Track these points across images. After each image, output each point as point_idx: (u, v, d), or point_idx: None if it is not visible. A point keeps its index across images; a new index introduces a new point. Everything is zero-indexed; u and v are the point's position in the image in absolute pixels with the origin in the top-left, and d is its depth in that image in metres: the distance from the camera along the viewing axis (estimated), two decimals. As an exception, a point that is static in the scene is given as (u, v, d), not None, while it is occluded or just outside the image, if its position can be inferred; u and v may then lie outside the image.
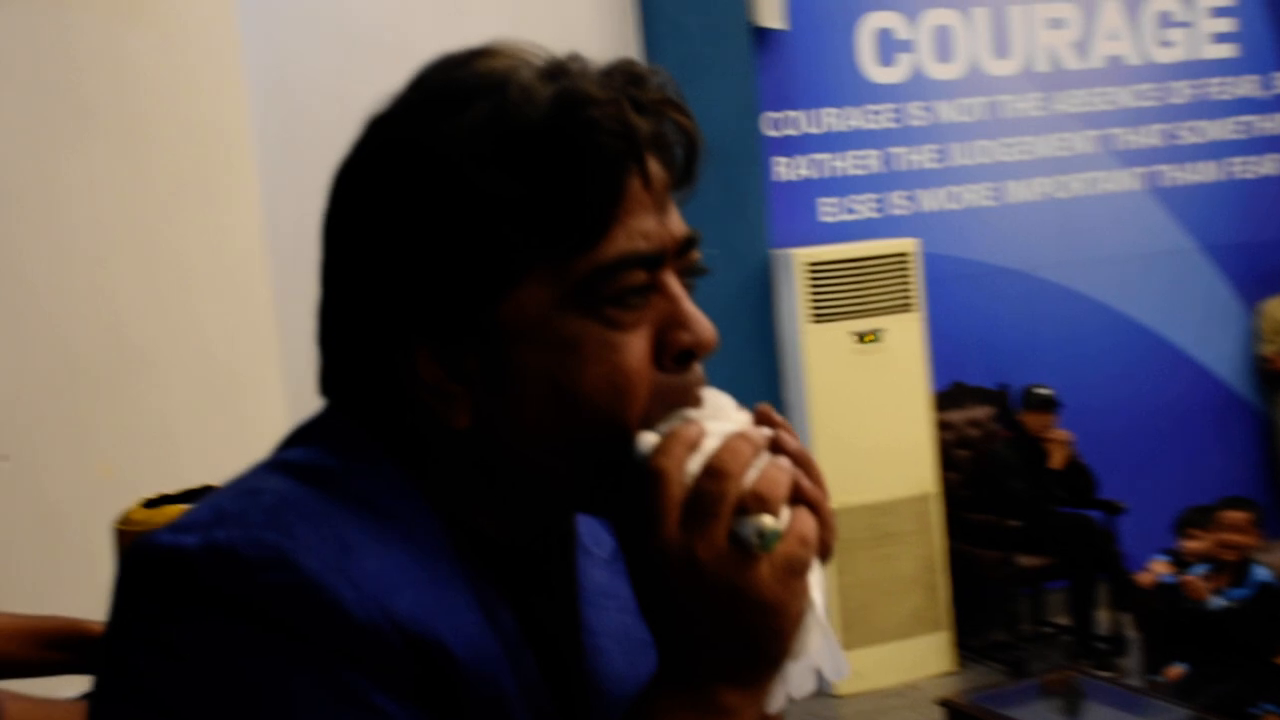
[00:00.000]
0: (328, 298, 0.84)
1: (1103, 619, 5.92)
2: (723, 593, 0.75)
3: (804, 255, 5.57)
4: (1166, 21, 6.66)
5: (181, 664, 0.70)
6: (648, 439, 0.79)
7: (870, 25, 6.13)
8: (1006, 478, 5.88)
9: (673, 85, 0.83)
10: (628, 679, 0.87)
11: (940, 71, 6.28)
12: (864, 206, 6.13)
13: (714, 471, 0.76)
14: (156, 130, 3.38)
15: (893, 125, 6.18)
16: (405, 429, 0.82)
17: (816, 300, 5.54)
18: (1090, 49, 6.53)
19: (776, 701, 0.80)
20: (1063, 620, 6.03)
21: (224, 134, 3.52)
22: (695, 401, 0.82)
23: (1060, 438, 5.94)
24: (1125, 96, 6.58)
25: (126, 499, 1.72)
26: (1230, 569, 4.93)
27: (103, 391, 3.31)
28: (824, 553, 0.80)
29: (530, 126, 0.78)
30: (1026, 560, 5.78)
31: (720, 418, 0.81)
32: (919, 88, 6.23)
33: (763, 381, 5.61)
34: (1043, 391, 5.98)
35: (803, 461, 0.81)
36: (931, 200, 6.25)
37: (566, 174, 0.77)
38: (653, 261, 0.80)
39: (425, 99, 0.81)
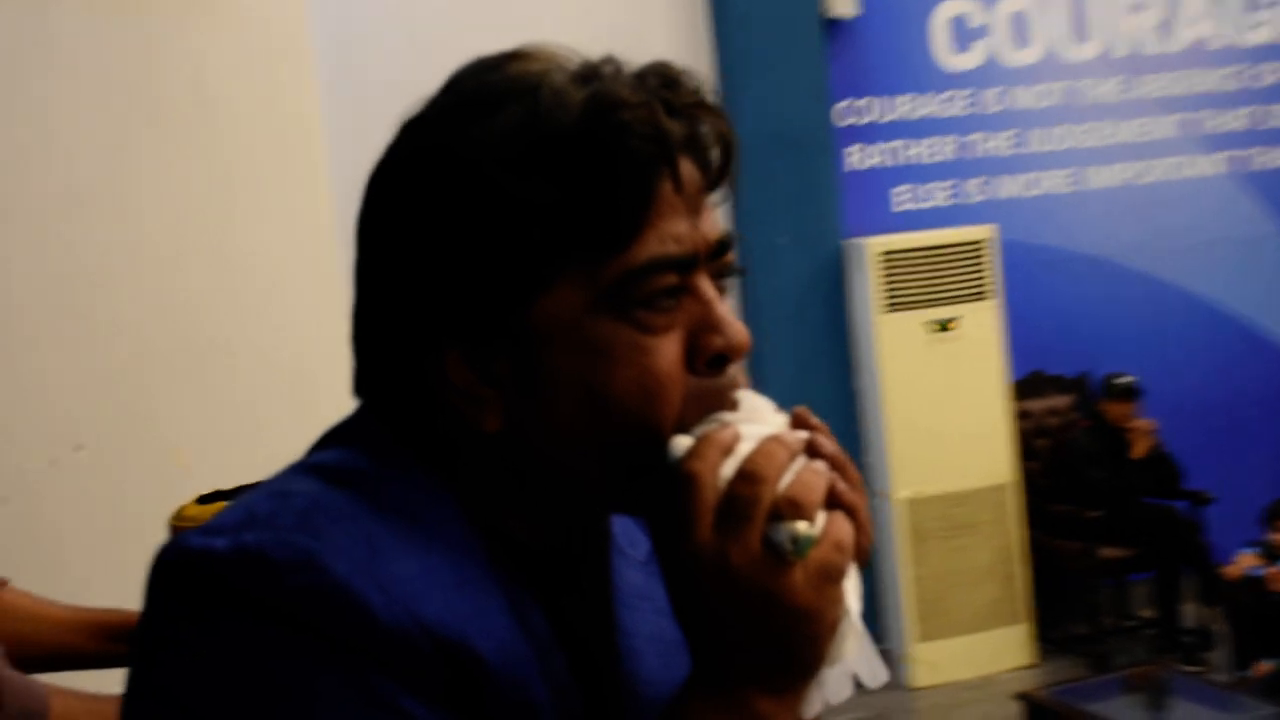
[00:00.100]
0: (361, 300, 0.84)
1: (1189, 612, 5.82)
2: (756, 598, 0.74)
3: (877, 244, 5.54)
4: (1253, 4, 6.51)
5: (210, 666, 0.71)
6: (681, 442, 0.78)
7: (944, 12, 6.07)
8: (1086, 467, 5.79)
9: (707, 87, 0.82)
10: (662, 682, 0.86)
11: (1016, 58, 6.20)
12: (939, 194, 6.07)
13: (747, 475, 0.75)
14: (228, 127, 3.43)
15: (968, 112, 6.11)
16: (436, 432, 0.82)
17: (890, 289, 5.50)
18: (1173, 32, 6.41)
19: (813, 708, 0.79)
20: (1147, 613, 5.93)
21: (295, 129, 3.56)
22: (730, 405, 0.81)
23: (1142, 427, 5.84)
24: (1209, 80, 6.45)
25: (202, 491, 1.73)
26: (1319, 562, 4.83)
27: (177, 383, 3.36)
28: (860, 558, 0.79)
29: (562, 131, 0.77)
30: (1109, 551, 5.70)
31: (756, 421, 0.80)
32: (995, 74, 6.16)
33: (835, 371, 5.58)
34: (1124, 380, 5.88)
35: (840, 465, 0.80)
36: (1009, 187, 6.18)
37: (598, 178, 0.77)
38: (684, 265, 0.79)
39: (457, 103, 0.81)
